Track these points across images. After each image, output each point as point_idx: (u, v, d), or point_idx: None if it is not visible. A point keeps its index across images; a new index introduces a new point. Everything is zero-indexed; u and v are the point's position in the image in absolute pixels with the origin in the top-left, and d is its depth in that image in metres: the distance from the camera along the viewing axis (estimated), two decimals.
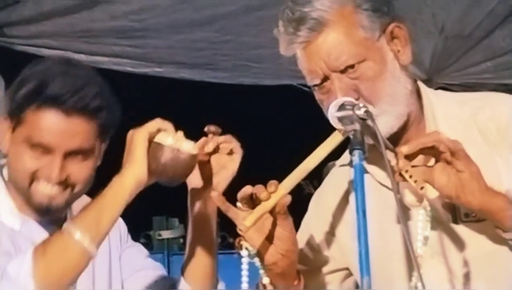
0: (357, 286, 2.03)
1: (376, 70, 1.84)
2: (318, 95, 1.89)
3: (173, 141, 1.82)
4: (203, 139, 1.91)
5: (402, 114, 1.87)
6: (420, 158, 1.78)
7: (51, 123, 1.98)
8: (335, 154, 1.90)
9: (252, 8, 4.08)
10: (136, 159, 1.81)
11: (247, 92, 5.05)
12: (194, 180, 1.96)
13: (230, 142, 1.94)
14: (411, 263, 1.76)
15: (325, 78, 1.85)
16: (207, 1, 4.06)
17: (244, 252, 1.77)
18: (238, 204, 1.78)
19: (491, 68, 4.68)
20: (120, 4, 4.01)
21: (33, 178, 1.99)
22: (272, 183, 1.75)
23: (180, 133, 1.84)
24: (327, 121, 1.82)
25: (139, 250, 2.24)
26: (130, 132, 1.84)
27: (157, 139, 1.82)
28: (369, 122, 1.76)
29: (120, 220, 2.19)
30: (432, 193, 1.81)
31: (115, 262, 2.16)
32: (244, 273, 1.77)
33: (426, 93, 1.94)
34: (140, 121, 1.86)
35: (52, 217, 2.05)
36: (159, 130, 1.83)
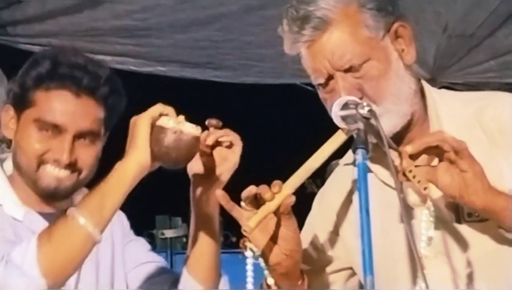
0: (361, 285, 2.03)
1: (380, 70, 1.84)
2: (322, 94, 1.89)
3: (175, 123, 1.83)
4: (205, 132, 1.92)
5: (406, 114, 1.87)
6: (423, 158, 1.78)
7: (63, 103, 2.01)
8: (339, 153, 1.90)
9: (255, 7, 4.09)
10: (138, 144, 1.82)
11: (249, 91, 5.05)
12: (196, 167, 1.97)
13: (228, 135, 1.95)
14: (415, 262, 1.76)
15: (329, 77, 1.85)
16: (210, 0, 4.06)
17: (248, 253, 1.77)
18: (242, 203, 1.78)
19: (494, 67, 4.68)
20: (123, 3, 4.02)
21: (41, 161, 2.01)
22: (276, 183, 1.75)
23: (182, 117, 1.85)
24: (331, 120, 1.82)
25: (141, 244, 2.25)
26: (133, 118, 1.86)
27: (159, 122, 1.84)
28: (373, 121, 1.76)
29: (123, 215, 2.20)
30: (435, 192, 1.80)
31: (118, 256, 2.17)
32: (249, 273, 1.77)
33: (430, 92, 1.94)
34: None
35: (56, 205, 2.06)
36: (161, 115, 1.84)
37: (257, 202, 1.76)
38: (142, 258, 2.19)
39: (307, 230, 2.05)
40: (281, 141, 6.66)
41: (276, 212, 1.77)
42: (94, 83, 2.03)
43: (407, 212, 1.82)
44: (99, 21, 4.09)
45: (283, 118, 6.66)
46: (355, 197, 1.87)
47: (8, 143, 2.14)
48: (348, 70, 1.83)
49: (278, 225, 1.80)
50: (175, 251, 5.91)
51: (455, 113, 1.92)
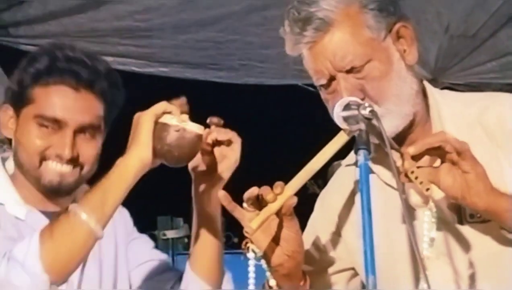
0: (363, 286, 2.03)
1: (382, 70, 1.84)
2: (324, 95, 1.89)
3: (178, 121, 1.83)
4: (205, 130, 1.92)
5: (408, 114, 1.87)
6: (425, 159, 1.78)
7: (62, 98, 2.01)
8: (341, 154, 1.90)
9: (257, 7, 4.09)
10: (141, 141, 1.82)
11: (251, 91, 5.05)
12: (197, 165, 1.97)
13: (225, 133, 1.95)
14: (417, 263, 1.75)
15: (331, 78, 1.85)
16: (212, 1, 4.07)
17: (250, 255, 1.77)
18: (244, 204, 1.78)
19: (496, 68, 4.68)
20: (125, 4, 4.02)
21: (42, 157, 2.01)
22: (278, 184, 1.74)
23: (185, 115, 1.85)
24: (332, 121, 1.82)
25: (145, 242, 2.25)
26: (136, 115, 1.86)
27: (163, 120, 1.84)
28: (374, 121, 1.75)
29: (126, 212, 2.20)
30: (437, 193, 1.80)
31: (121, 254, 2.16)
32: (251, 275, 1.77)
33: (432, 93, 1.94)
34: None
35: (58, 202, 2.05)
36: (164, 113, 1.85)
37: (259, 203, 1.76)
38: (146, 256, 2.19)
39: (309, 231, 2.05)
40: (283, 142, 6.65)
41: (278, 213, 1.77)
42: (93, 77, 2.03)
43: (409, 213, 1.82)
44: (100, 22, 4.09)
45: (285, 119, 6.65)
46: (357, 198, 1.87)
47: (10, 143, 2.13)
48: (350, 71, 1.83)
49: (280, 226, 1.80)
50: (176, 251, 5.89)
51: (457, 114, 1.92)
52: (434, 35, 4.41)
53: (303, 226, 2.01)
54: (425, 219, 1.79)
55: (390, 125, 1.83)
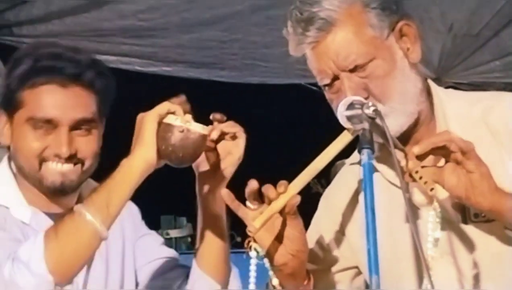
0: (366, 285, 2.03)
1: (385, 69, 1.84)
2: (328, 95, 1.89)
3: (182, 122, 1.83)
4: (209, 126, 1.91)
5: (412, 113, 1.87)
6: (430, 158, 1.77)
7: (51, 97, 2.00)
8: (344, 153, 1.90)
9: (260, 7, 4.09)
10: (145, 141, 1.82)
11: (255, 91, 5.05)
12: (201, 163, 1.97)
13: (232, 127, 1.95)
14: (420, 262, 1.76)
15: (335, 78, 1.85)
16: (216, 0, 4.06)
17: (252, 253, 1.77)
18: (248, 203, 1.78)
19: (499, 67, 4.67)
20: (128, 4, 4.02)
21: (41, 159, 2.01)
22: (282, 183, 1.74)
23: (189, 116, 1.85)
24: (336, 120, 1.82)
25: (154, 239, 2.24)
26: (140, 115, 1.86)
27: (167, 120, 1.84)
28: (378, 120, 1.75)
29: (135, 208, 2.20)
30: (442, 193, 1.80)
31: (128, 251, 2.16)
32: (252, 274, 1.77)
33: (436, 91, 1.94)
34: None
35: (64, 202, 2.05)
36: (168, 113, 1.84)
37: (261, 197, 1.76)
38: (155, 254, 2.19)
39: (313, 230, 2.05)
40: (286, 141, 6.65)
41: (282, 213, 1.77)
42: (78, 70, 2.01)
43: (413, 212, 1.82)
44: (104, 22, 4.09)
45: (288, 118, 6.65)
46: (361, 197, 1.86)
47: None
48: (353, 70, 1.83)
49: (284, 226, 1.80)
50: (180, 251, 5.89)
51: (461, 113, 1.92)
52: (437, 35, 4.41)
53: (306, 225, 2.01)
54: (430, 219, 1.79)
55: (395, 124, 1.83)
